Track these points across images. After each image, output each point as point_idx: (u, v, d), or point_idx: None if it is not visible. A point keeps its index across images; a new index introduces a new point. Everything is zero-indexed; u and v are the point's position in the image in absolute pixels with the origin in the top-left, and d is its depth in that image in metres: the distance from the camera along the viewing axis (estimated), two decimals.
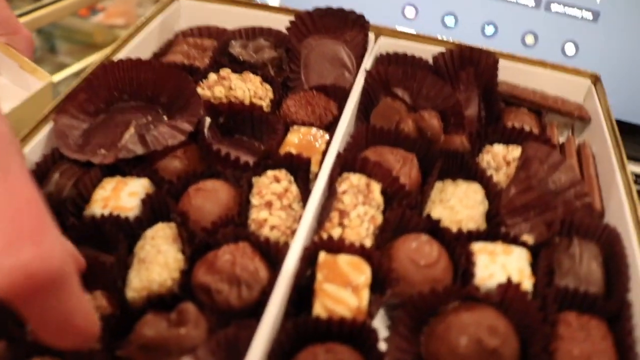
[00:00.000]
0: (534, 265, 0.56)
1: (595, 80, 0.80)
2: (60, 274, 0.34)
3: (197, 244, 0.54)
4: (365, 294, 0.51)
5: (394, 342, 0.51)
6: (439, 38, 0.82)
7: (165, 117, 0.68)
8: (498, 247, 0.57)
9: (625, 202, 0.61)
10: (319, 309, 0.49)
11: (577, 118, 0.78)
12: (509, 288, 0.51)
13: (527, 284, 0.54)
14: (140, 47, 0.79)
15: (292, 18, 0.81)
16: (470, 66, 0.79)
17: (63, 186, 0.59)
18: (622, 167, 0.65)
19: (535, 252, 0.58)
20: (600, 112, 0.75)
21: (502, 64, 0.79)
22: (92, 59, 1.11)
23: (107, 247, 0.58)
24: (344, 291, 0.51)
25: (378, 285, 0.53)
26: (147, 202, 0.59)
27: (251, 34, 0.85)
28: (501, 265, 0.55)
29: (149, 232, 0.56)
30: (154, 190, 0.60)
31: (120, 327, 0.49)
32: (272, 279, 0.52)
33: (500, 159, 0.67)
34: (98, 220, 0.57)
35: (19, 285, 0.32)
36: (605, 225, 0.59)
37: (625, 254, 0.56)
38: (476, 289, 0.52)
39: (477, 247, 0.57)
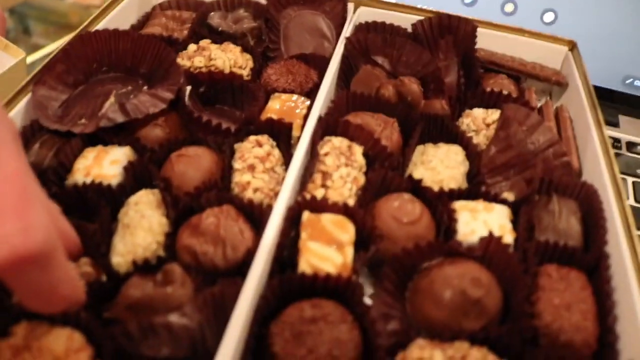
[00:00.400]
0: (515, 222, 0.57)
1: (572, 46, 0.81)
2: (44, 247, 0.33)
3: (181, 208, 0.54)
4: (350, 251, 0.52)
5: (380, 297, 0.52)
6: (418, 7, 0.82)
7: (145, 87, 0.68)
8: (479, 204, 0.58)
9: (602, 160, 0.62)
10: (304, 266, 0.50)
11: (555, 83, 0.79)
12: (491, 241, 0.52)
13: (509, 238, 0.55)
14: (117, 20, 0.78)
15: None
16: (449, 34, 0.79)
17: (44, 156, 0.59)
18: (599, 128, 0.67)
19: (516, 209, 0.59)
20: (577, 77, 0.76)
21: (481, 31, 0.79)
22: (67, 40, 1.10)
23: (91, 216, 0.57)
24: (328, 249, 0.52)
25: (362, 243, 0.54)
26: (130, 169, 0.58)
27: (230, 5, 0.85)
28: (482, 221, 0.56)
29: (133, 199, 0.56)
30: (136, 158, 0.60)
31: (107, 292, 0.49)
32: (256, 239, 0.52)
33: (480, 121, 0.68)
34: (80, 188, 0.56)
35: (3, 258, 0.32)
36: (583, 182, 0.60)
37: (602, 209, 0.57)
38: (459, 244, 0.53)
39: (459, 205, 0.58)
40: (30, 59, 0.95)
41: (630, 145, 0.84)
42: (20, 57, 0.73)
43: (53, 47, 1.07)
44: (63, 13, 1.27)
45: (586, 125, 0.68)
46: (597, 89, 0.73)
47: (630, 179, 0.77)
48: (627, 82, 0.89)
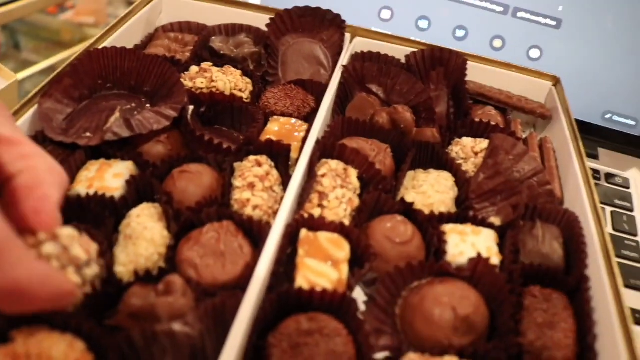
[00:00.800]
0: (501, 245, 0.60)
1: (556, 82, 0.86)
2: None
3: (182, 222, 0.56)
4: (345, 268, 0.54)
5: (372, 313, 0.54)
6: (412, 39, 0.86)
7: (148, 105, 0.70)
8: (467, 228, 0.61)
9: (583, 189, 0.66)
10: (301, 281, 0.52)
11: (539, 116, 0.83)
12: (479, 262, 0.55)
13: (495, 260, 0.57)
14: (122, 39, 0.80)
15: (271, 16, 0.84)
16: (440, 66, 0.83)
17: None
18: (580, 159, 0.70)
19: (502, 233, 0.61)
20: (561, 111, 0.81)
21: (471, 65, 0.83)
22: (60, 57, 1.09)
23: (92, 227, 0.59)
24: (324, 265, 0.54)
25: (356, 261, 0.56)
26: (132, 183, 0.60)
27: (231, 30, 0.88)
28: (471, 244, 0.59)
29: (135, 211, 0.58)
30: (139, 173, 0.62)
31: (109, 302, 0.51)
32: (255, 255, 0.54)
33: (468, 150, 0.71)
34: (83, 199, 0.58)
35: None
36: (565, 209, 0.64)
37: (583, 234, 0.60)
38: (448, 265, 0.56)
39: (448, 227, 0.61)
40: (20, 75, 0.96)
41: (609, 177, 0.88)
42: (12, 80, 0.74)
43: (44, 64, 1.07)
44: (55, 30, 1.27)
45: (568, 156, 0.72)
46: (578, 123, 0.77)
47: (608, 209, 0.81)
48: (607, 117, 0.94)
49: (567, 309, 0.54)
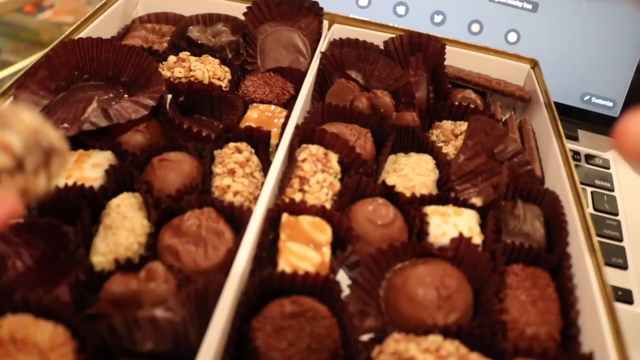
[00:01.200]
0: (483, 225, 0.60)
1: (534, 65, 0.86)
2: None
3: (162, 210, 0.56)
4: (327, 251, 0.54)
5: (356, 295, 0.54)
6: (390, 25, 0.86)
7: (126, 96, 0.69)
8: (449, 209, 0.61)
9: (562, 169, 0.66)
10: (283, 265, 0.52)
11: (518, 98, 0.83)
12: (461, 242, 0.55)
13: (477, 240, 0.58)
14: (98, 31, 0.79)
15: (249, 5, 0.84)
16: (419, 51, 0.83)
17: None
18: (560, 139, 0.71)
19: (484, 214, 0.62)
20: (539, 93, 0.81)
21: (450, 49, 0.83)
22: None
23: (71, 218, 0.58)
24: (306, 248, 0.54)
25: (339, 244, 0.56)
26: (111, 172, 0.59)
27: (209, 19, 0.87)
28: (452, 224, 0.59)
29: (114, 201, 0.57)
30: (118, 162, 0.61)
31: (90, 291, 0.50)
32: (236, 240, 0.54)
33: (448, 132, 0.72)
34: (61, 190, 0.57)
35: None
36: (546, 189, 0.64)
37: (563, 213, 0.61)
38: (431, 245, 0.56)
39: (430, 209, 0.61)
40: None
41: (589, 158, 0.88)
42: None
43: (23, 64, 1.05)
44: (34, 30, 1.24)
45: (548, 137, 0.73)
46: (557, 105, 0.77)
47: (589, 189, 0.82)
48: (585, 99, 0.94)
49: (550, 286, 0.55)
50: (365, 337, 0.51)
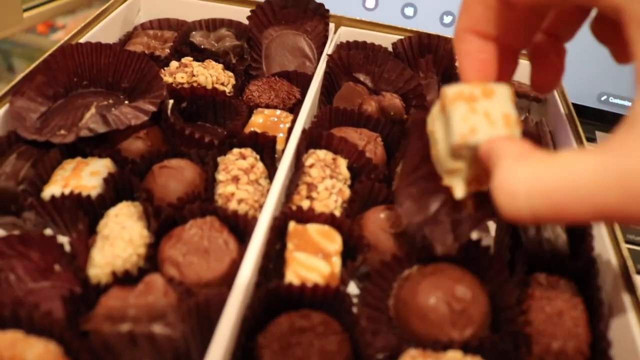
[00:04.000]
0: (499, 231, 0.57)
1: None
2: None
3: (163, 219, 0.53)
4: (337, 261, 0.51)
5: (365, 312, 0.50)
6: (398, 26, 0.83)
7: (126, 102, 0.66)
8: (475, 89, 0.42)
9: None
10: (290, 276, 0.49)
11: (533, 99, 0.80)
12: (470, 245, 0.51)
13: (516, 131, 0.41)
14: (97, 38, 0.77)
15: (252, 9, 0.81)
16: (429, 53, 0.80)
17: (20, 167, 0.57)
18: (579, 141, 0.67)
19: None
20: (556, 93, 0.78)
21: None
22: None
23: (68, 228, 0.56)
24: (315, 259, 0.51)
25: (349, 253, 0.53)
26: (110, 181, 0.57)
27: (212, 24, 0.85)
28: (483, 114, 0.41)
29: (113, 210, 0.55)
30: (117, 170, 0.59)
31: (85, 305, 0.47)
32: (241, 250, 0.51)
33: None
34: (58, 199, 0.54)
35: None
36: None
37: None
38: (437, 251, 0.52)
39: (451, 93, 0.42)
40: None
41: None
42: None
43: None
44: (47, 51, 1.25)
45: (567, 139, 0.69)
46: (574, 106, 0.74)
47: None
48: (602, 99, 0.91)
49: (576, 295, 0.51)
50: (379, 355, 0.48)
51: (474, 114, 0.41)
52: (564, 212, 0.32)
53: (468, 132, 0.40)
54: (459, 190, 0.44)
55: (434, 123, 0.46)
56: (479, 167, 0.42)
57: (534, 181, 0.33)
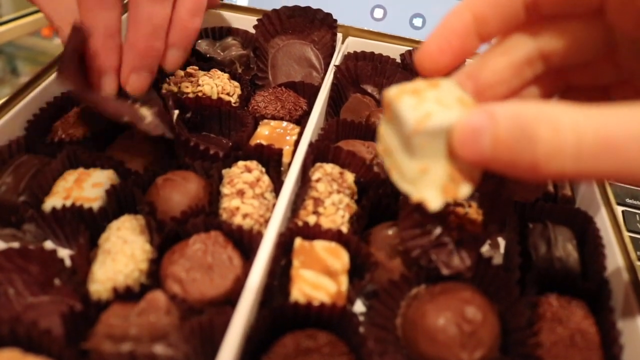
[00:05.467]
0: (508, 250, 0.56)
1: None
2: None
3: (166, 233, 0.52)
4: (344, 279, 0.50)
5: (372, 333, 0.49)
6: (406, 37, 0.82)
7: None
8: (419, 84, 0.41)
9: (595, 187, 0.62)
10: (296, 295, 0.47)
11: None
12: (481, 263, 0.50)
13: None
14: None
15: (259, 17, 0.81)
16: None
17: (21, 177, 0.56)
18: None
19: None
20: None
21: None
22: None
23: (69, 241, 0.55)
24: (321, 277, 0.49)
25: (356, 271, 0.51)
26: (112, 193, 0.56)
27: (218, 33, 0.84)
28: (434, 100, 0.38)
29: (115, 224, 0.53)
30: (120, 182, 0.58)
31: (86, 322, 0.46)
32: (246, 267, 0.50)
33: None
34: (58, 211, 0.53)
35: None
36: (577, 209, 0.60)
37: (600, 235, 0.56)
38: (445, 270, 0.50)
39: (393, 92, 0.41)
40: None
41: None
42: None
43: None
44: (52, 54, 1.24)
45: None
46: None
47: (619, 208, 0.77)
48: None
49: (588, 317, 0.50)
50: None
51: (424, 102, 0.38)
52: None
53: (423, 117, 0.37)
54: (433, 199, 0.39)
55: (384, 139, 0.42)
56: (451, 163, 0.38)
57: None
